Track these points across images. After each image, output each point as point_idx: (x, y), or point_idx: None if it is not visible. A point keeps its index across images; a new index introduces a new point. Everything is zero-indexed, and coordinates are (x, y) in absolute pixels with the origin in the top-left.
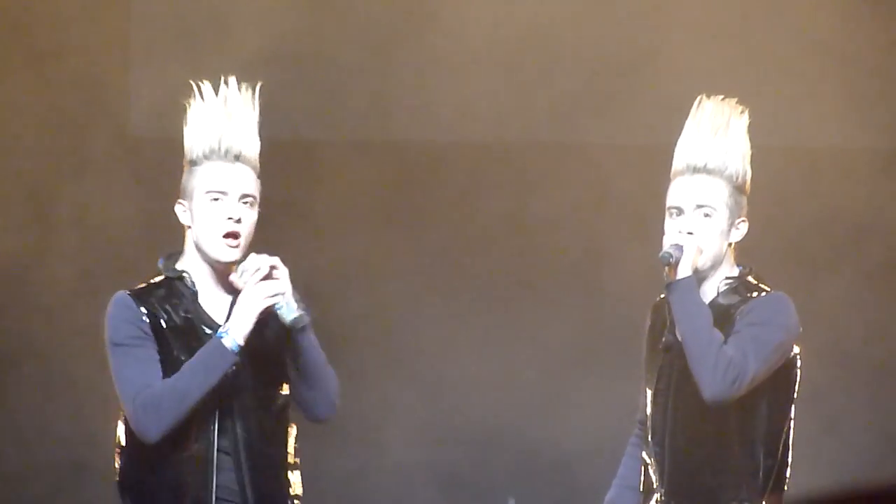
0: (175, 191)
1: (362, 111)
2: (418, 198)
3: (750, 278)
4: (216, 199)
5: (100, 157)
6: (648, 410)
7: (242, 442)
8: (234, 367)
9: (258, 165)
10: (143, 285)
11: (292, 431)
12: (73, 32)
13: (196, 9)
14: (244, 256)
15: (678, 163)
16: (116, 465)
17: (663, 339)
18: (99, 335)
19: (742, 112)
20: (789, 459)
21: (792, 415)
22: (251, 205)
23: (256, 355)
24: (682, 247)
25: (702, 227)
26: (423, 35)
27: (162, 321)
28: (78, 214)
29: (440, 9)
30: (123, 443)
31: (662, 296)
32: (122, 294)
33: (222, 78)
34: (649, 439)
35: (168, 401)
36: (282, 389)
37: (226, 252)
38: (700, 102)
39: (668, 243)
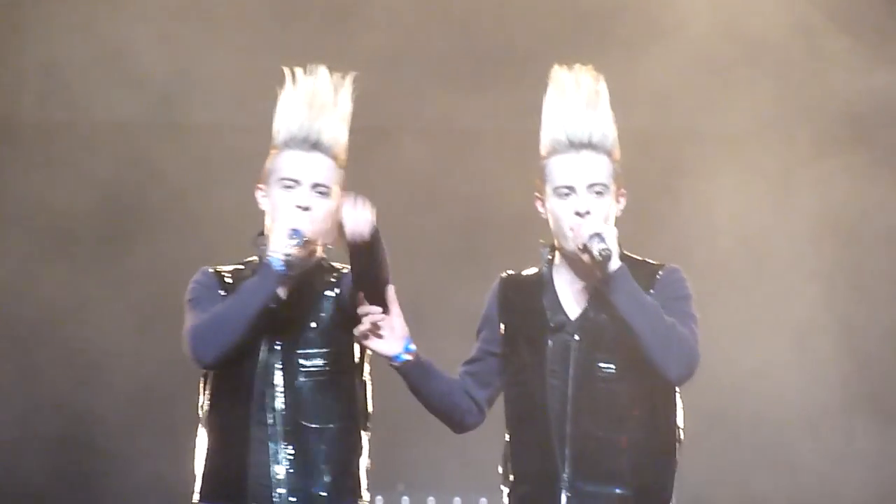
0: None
1: None
2: None
3: (626, 252)
4: (289, 187)
5: None
6: (528, 391)
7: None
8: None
9: (340, 154)
10: (230, 267)
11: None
12: None
13: None
14: (313, 247)
15: (556, 138)
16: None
17: (551, 318)
18: None
19: (600, 79)
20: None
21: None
22: (324, 194)
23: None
24: (602, 234)
25: (596, 207)
26: None
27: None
28: None
29: None
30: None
31: (510, 272)
32: (205, 267)
33: (310, 67)
34: (533, 422)
35: (211, 320)
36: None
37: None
38: (557, 73)
39: (567, 226)
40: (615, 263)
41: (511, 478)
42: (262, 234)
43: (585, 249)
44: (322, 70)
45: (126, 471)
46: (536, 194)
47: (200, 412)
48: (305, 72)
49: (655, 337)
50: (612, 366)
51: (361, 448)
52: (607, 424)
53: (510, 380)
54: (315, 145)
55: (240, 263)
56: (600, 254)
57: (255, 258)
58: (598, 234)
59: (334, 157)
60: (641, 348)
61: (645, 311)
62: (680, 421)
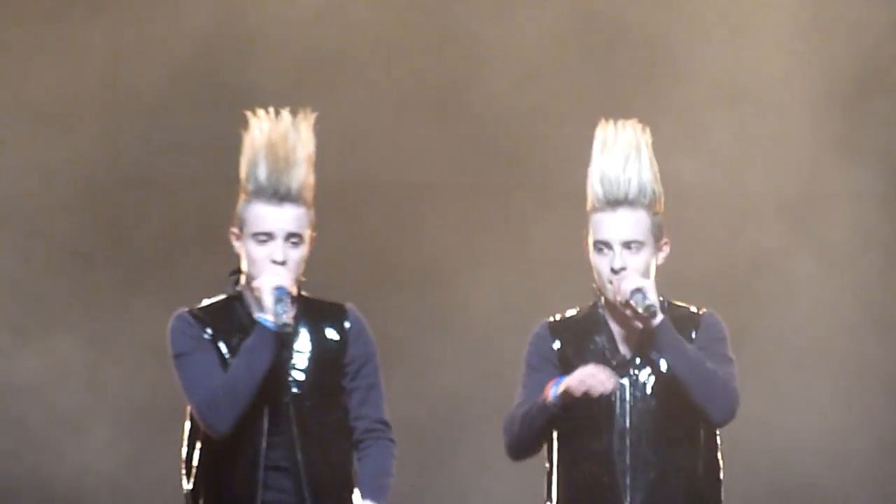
0: None
1: None
2: None
3: (671, 300)
4: (263, 241)
5: None
6: (592, 424)
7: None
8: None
9: (309, 197)
10: (204, 305)
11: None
12: None
13: None
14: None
15: (596, 195)
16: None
17: (612, 356)
18: None
19: (644, 131)
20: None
21: None
22: (297, 244)
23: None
24: (643, 289)
25: (632, 263)
26: None
27: (220, 342)
28: None
29: None
30: (185, 454)
31: (555, 317)
32: (181, 312)
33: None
34: (593, 452)
35: (223, 392)
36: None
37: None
38: (603, 128)
39: (606, 280)
40: (658, 317)
41: None
42: (236, 271)
43: (628, 305)
44: (284, 114)
45: None
46: (584, 244)
47: (187, 467)
48: (268, 116)
49: (699, 385)
50: (662, 401)
51: None
52: (664, 454)
53: (570, 415)
54: (285, 197)
55: (215, 299)
56: (646, 310)
57: (230, 293)
58: (639, 290)
59: (304, 203)
60: (687, 394)
61: (689, 361)
62: (720, 458)
